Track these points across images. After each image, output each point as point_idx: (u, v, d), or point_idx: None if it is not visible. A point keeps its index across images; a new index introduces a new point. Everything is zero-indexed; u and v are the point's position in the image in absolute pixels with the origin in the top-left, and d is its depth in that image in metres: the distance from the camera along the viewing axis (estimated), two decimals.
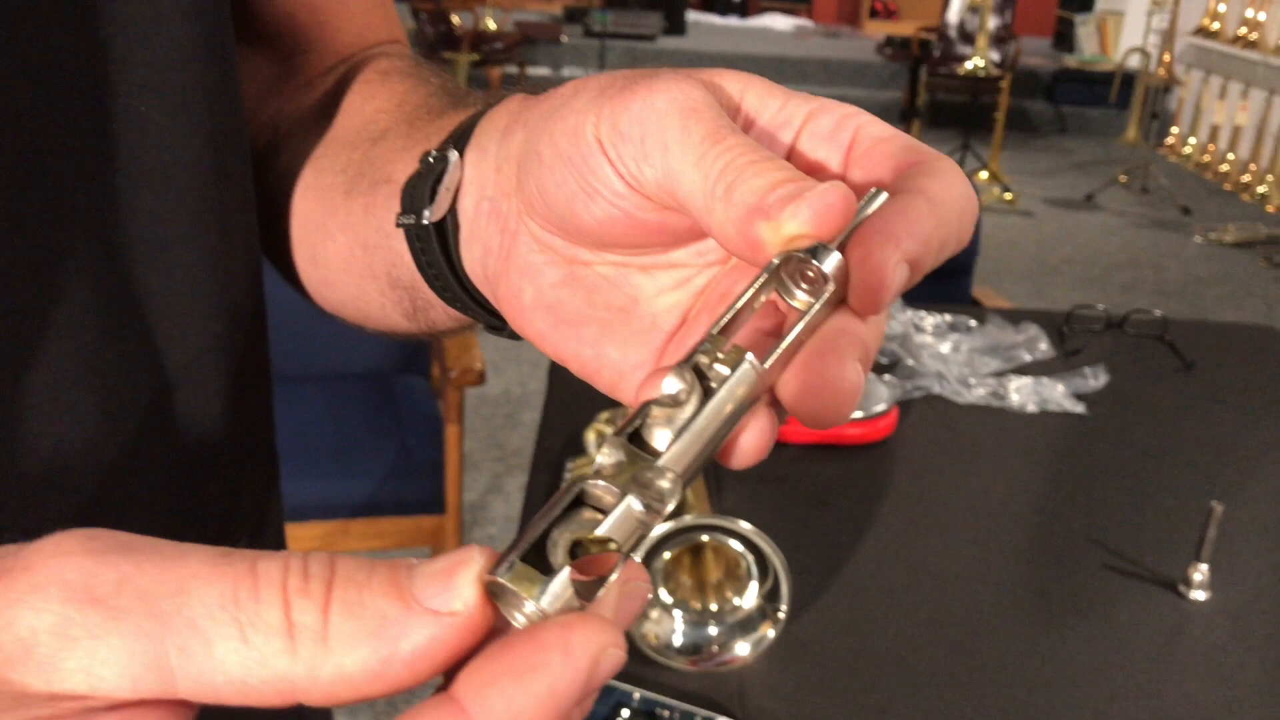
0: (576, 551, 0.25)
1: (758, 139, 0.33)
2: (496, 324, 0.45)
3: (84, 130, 0.40)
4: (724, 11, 10.42)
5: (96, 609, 0.22)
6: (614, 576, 0.25)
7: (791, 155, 0.33)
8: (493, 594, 0.24)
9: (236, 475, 0.52)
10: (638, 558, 0.27)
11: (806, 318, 0.29)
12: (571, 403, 1.44)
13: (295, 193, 0.53)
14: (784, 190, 0.29)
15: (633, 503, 0.26)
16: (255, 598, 0.23)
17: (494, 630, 0.24)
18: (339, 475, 2.01)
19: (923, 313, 1.78)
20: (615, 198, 0.33)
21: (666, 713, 0.93)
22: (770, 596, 1.00)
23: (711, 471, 1.29)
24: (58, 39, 0.39)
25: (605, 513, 0.26)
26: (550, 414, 1.45)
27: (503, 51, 7.47)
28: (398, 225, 0.44)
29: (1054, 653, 1.04)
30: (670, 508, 0.26)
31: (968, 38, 7.18)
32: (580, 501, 0.27)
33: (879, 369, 1.60)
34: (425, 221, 0.42)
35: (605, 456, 0.27)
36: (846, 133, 0.33)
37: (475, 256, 0.41)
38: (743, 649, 1.00)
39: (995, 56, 6.90)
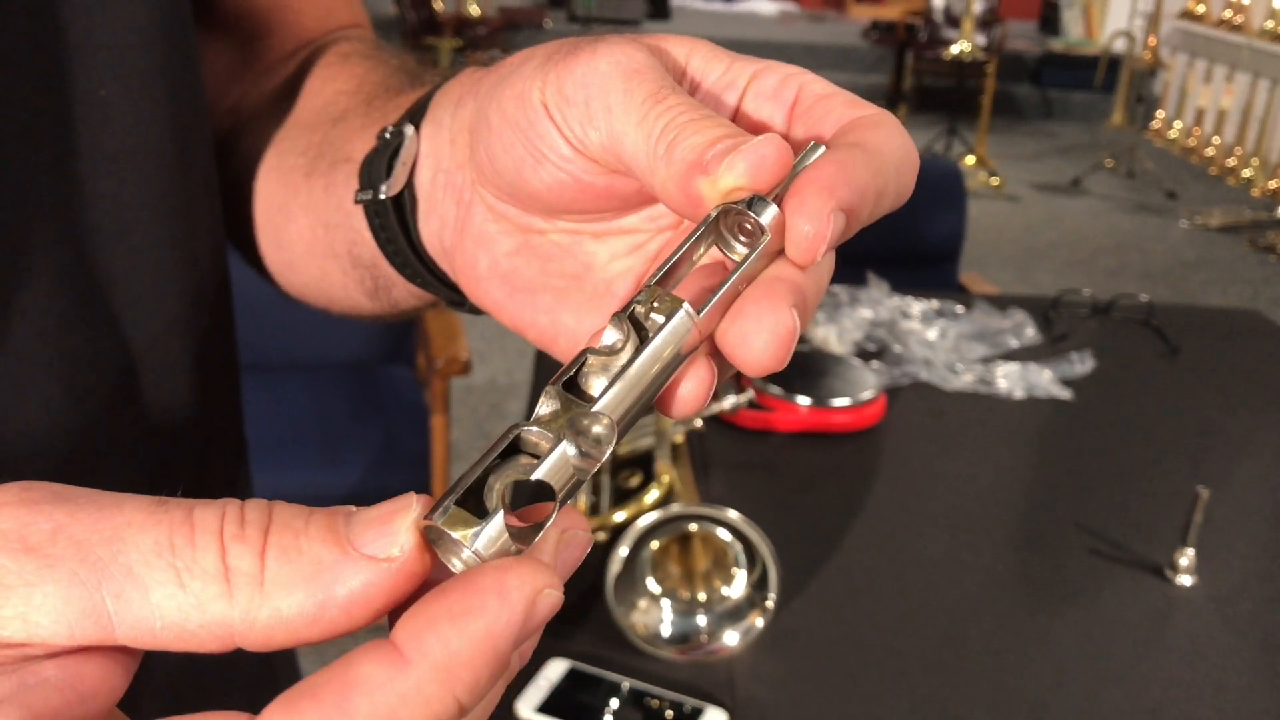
0: (511, 497, 0.25)
1: (704, 101, 0.33)
2: (456, 298, 0.45)
3: (44, 115, 0.40)
4: None
5: (31, 557, 0.22)
6: (550, 521, 0.25)
7: (737, 115, 0.34)
8: (431, 540, 0.24)
9: (203, 458, 0.52)
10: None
11: (742, 266, 0.29)
12: None
13: (258, 176, 0.53)
14: (722, 145, 0.29)
15: (567, 448, 0.26)
16: (191, 544, 0.23)
17: (432, 581, 0.24)
18: (323, 466, 2.00)
19: (910, 299, 1.78)
20: (562, 161, 0.34)
21: (656, 702, 0.93)
22: (758, 585, 1.00)
23: (699, 460, 1.28)
24: (14, 23, 0.39)
25: (541, 459, 0.26)
26: (536, 403, 1.45)
27: (486, 37, 7.44)
28: (356, 201, 0.44)
29: (1041, 638, 1.05)
30: (606, 452, 0.26)
31: (953, 21, 7.19)
32: (516, 448, 0.27)
33: (866, 356, 1.60)
34: (382, 196, 0.42)
35: (543, 405, 0.27)
36: (790, 91, 0.33)
37: (433, 230, 0.42)
38: (731, 638, 1.00)
39: (981, 40, 6.90)
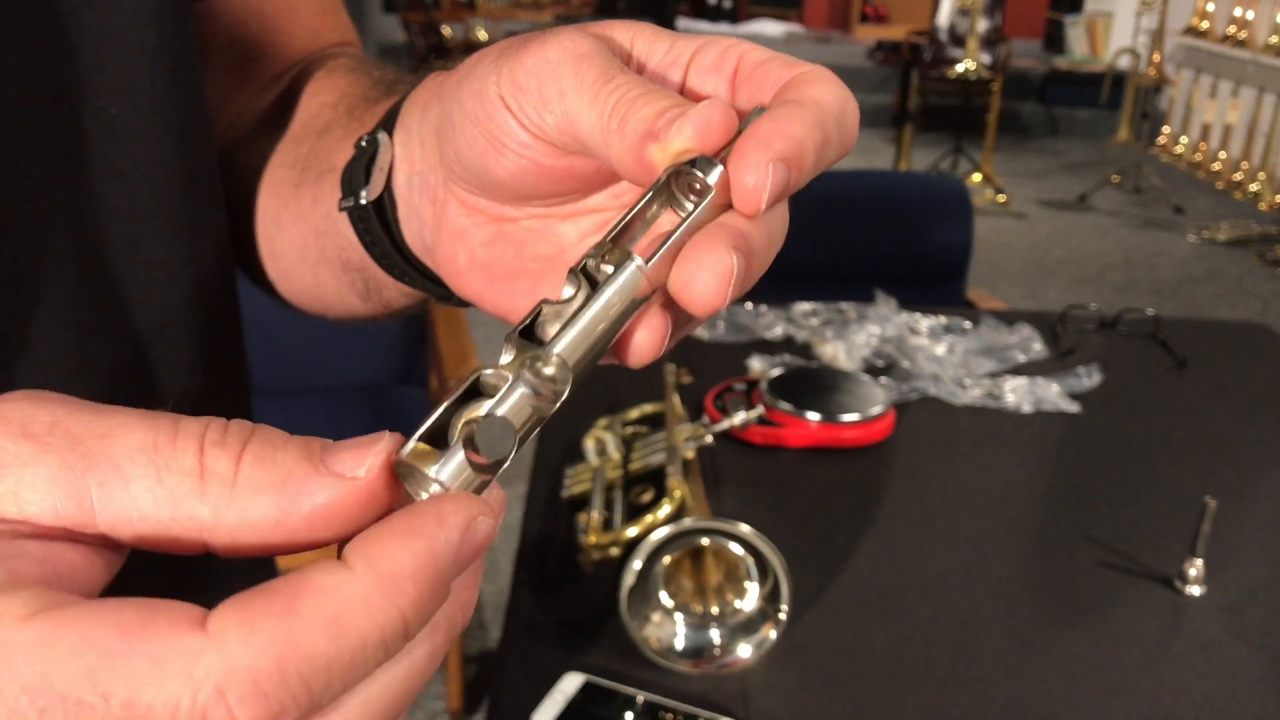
0: (471, 431, 0.27)
1: (650, 79, 0.35)
2: (444, 293, 0.47)
3: (57, 133, 0.42)
4: (715, 18, 10.45)
5: (29, 442, 0.24)
6: (510, 457, 0.27)
7: (683, 90, 0.36)
8: (401, 476, 0.27)
9: None
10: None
11: (689, 218, 0.31)
12: (569, 410, 1.44)
13: (252, 190, 0.55)
14: (670, 114, 0.32)
15: (523, 386, 0.28)
16: (173, 445, 0.25)
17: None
18: None
19: (918, 315, 1.79)
20: (522, 149, 0.36)
21: (670, 715, 0.94)
22: (771, 598, 1.01)
23: (710, 476, 1.30)
24: (27, 45, 0.40)
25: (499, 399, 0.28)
26: (548, 422, 1.46)
27: None
28: (340, 209, 0.46)
29: (1052, 649, 1.05)
30: (563, 391, 0.29)
31: (958, 41, 7.21)
32: (478, 391, 0.29)
33: (875, 372, 1.61)
34: (363, 201, 0.44)
35: (504, 354, 0.29)
36: (730, 62, 0.35)
37: (413, 230, 0.44)
38: (745, 651, 1.01)
39: (986, 59, 6.93)
